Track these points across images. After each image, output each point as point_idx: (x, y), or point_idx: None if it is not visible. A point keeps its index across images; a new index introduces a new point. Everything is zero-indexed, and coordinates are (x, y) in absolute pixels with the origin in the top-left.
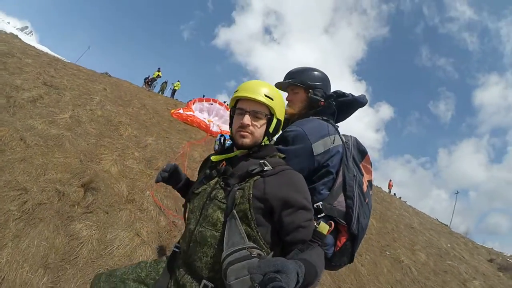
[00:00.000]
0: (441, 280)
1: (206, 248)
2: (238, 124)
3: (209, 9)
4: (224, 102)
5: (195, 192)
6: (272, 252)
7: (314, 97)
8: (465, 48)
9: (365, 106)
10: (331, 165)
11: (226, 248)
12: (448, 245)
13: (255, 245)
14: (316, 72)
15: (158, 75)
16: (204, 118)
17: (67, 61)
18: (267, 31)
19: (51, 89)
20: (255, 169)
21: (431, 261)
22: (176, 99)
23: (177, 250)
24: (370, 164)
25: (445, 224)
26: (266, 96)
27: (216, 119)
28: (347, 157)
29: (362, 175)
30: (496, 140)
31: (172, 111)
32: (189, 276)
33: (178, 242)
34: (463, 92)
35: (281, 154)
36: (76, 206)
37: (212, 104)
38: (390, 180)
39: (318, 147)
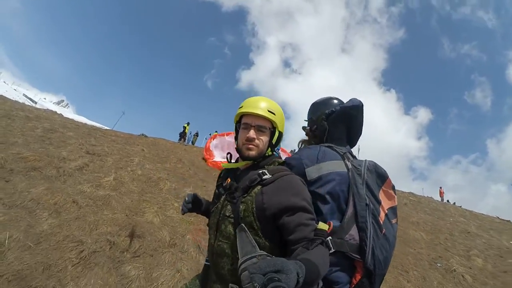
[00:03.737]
0: (501, 282)
1: (225, 258)
2: (245, 138)
3: (227, 55)
4: None
5: (211, 211)
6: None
7: (306, 130)
8: (485, 26)
9: (395, 112)
10: (322, 192)
11: (241, 257)
12: (511, 242)
13: (265, 253)
14: (310, 107)
15: (186, 127)
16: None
17: (105, 127)
18: (286, 64)
19: (94, 157)
20: (254, 180)
21: (489, 264)
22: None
23: (208, 264)
24: (393, 188)
25: (507, 220)
26: (268, 111)
27: None
28: (357, 184)
29: (379, 203)
30: None
31: (207, 160)
32: (218, 284)
33: (207, 258)
34: (496, 72)
35: (279, 160)
36: (125, 253)
37: (231, 137)
38: (441, 188)
39: (312, 173)
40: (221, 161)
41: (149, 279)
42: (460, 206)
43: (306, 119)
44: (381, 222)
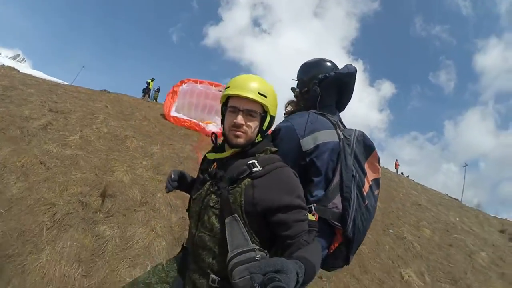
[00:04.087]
0: (445, 254)
1: (207, 251)
2: (231, 123)
3: (194, 8)
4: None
5: (193, 197)
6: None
7: (295, 91)
8: (459, 13)
9: (361, 83)
10: (319, 164)
11: (231, 250)
12: (457, 219)
13: (258, 247)
14: (300, 67)
15: (150, 83)
16: (196, 119)
17: (65, 83)
18: (256, 23)
19: (57, 115)
20: (243, 172)
21: (436, 236)
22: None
23: (186, 246)
24: (378, 161)
25: (455, 199)
26: (259, 94)
27: (212, 115)
28: (346, 154)
29: (365, 174)
30: (501, 106)
31: (166, 113)
32: (197, 274)
33: (186, 243)
34: (463, 58)
35: (272, 148)
36: (98, 212)
37: (203, 86)
38: (396, 160)
39: (307, 143)
40: (187, 120)
41: (124, 238)
42: (413, 180)
43: (296, 79)
44: (365, 193)
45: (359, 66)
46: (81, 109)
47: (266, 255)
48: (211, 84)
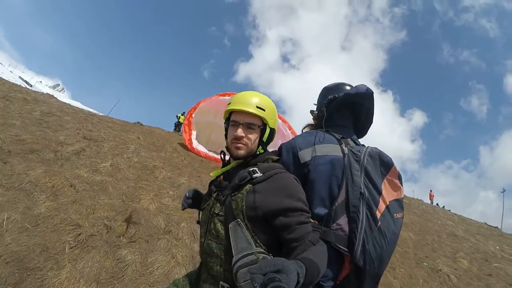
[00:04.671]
0: (484, 284)
1: (214, 258)
2: (233, 136)
3: (226, 46)
4: None
5: (202, 208)
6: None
7: (313, 114)
8: (486, 35)
9: (391, 113)
10: (314, 175)
11: (235, 254)
12: (497, 247)
13: (262, 250)
14: (321, 91)
15: (180, 117)
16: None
17: (100, 114)
18: (285, 59)
19: (91, 142)
20: (244, 178)
21: (474, 266)
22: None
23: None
24: (399, 178)
25: (494, 227)
26: (258, 107)
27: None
28: (352, 170)
29: (379, 193)
30: None
31: (189, 147)
32: (208, 283)
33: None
34: (494, 81)
35: (273, 157)
36: (121, 237)
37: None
38: (431, 191)
39: (305, 155)
40: (201, 151)
41: (145, 263)
42: (449, 210)
43: (315, 103)
44: (378, 215)
45: (388, 97)
46: (114, 139)
47: (271, 257)
48: (223, 95)
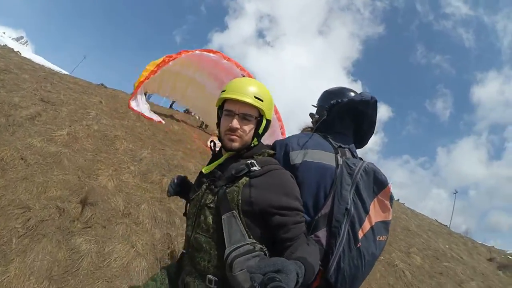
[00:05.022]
0: (436, 283)
1: (202, 253)
2: (227, 127)
3: (202, 13)
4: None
5: (191, 199)
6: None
7: (313, 117)
8: (462, 44)
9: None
10: (301, 180)
11: (228, 246)
12: (446, 246)
13: (256, 241)
14: (321, 94)
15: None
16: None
17: (63, 72)
18: (260, 34)
19: (48, 105)
20: (241, 170)
21: (426, 263)
22: (172, 109)
23: (184, 251)
24: (390, 199)
25: (444, 225)
26: (255, 97)
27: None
28: (343, 183)
29: (366, 212)
30: (494, 137)
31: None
32: (192, 276)
33: (184, 247)
34: (461, 89)
35: (270, 151)
36: (75, 222)
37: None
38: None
39: (295, 156)
40: (141, 112)
41: (102, 254)
42: (404, 204)
43: (315, 105)
44: (361, 234)
45: (357, 87)
46: (74, 102)
47: (265, 250)
48: (208, 51)
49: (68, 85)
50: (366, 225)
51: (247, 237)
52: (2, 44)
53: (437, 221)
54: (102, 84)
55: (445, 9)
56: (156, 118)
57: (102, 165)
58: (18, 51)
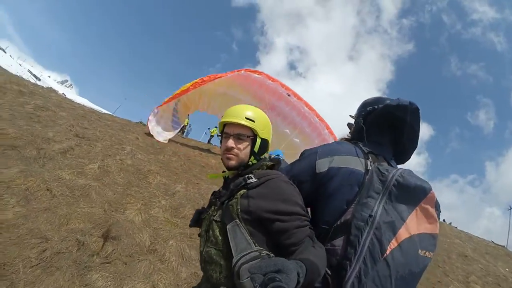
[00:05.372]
0: None
1: (214, 265)
2: (224, 147)
3: (234, 51)
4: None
5: (202, 218)
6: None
7: (351, 127)
8: (494, 49)
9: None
10: (329, 187)
11: (235, 254)
12: (506, 269)
13: (262, 248)
14: (360, 104)
15: (213, 131)
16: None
17: (103, 111)
18: (292, 66)
19: (83, 141)
20: (239, 184)
21: None
22: (211, 143)
23: None
24: (436, 206)
25: (501, 246)
26: (247, 118)
27: None
28: (370, 189)
29: (403, 220)
30: None
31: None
32: None
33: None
34: (501, 96)
35: (268, 163)
36: (94, 256)
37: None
38: None
39: (322, 164)
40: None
41: None
42: (456, 227)
43: (353, 115)
44: (393, 245)
45: None
46: (110, 138)
47: (271, 256)
48: (254, 72)
49: (105, 122)
50: (403, 234)
51: (253, 245)
52: (46, 86)
53: (493, 242)
54: (140, 122)
55: (471, 16)
56: (162, 139)
57: (132, 199)
58: (63, 93)
